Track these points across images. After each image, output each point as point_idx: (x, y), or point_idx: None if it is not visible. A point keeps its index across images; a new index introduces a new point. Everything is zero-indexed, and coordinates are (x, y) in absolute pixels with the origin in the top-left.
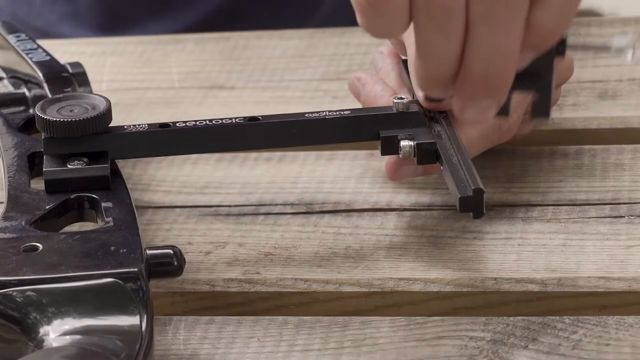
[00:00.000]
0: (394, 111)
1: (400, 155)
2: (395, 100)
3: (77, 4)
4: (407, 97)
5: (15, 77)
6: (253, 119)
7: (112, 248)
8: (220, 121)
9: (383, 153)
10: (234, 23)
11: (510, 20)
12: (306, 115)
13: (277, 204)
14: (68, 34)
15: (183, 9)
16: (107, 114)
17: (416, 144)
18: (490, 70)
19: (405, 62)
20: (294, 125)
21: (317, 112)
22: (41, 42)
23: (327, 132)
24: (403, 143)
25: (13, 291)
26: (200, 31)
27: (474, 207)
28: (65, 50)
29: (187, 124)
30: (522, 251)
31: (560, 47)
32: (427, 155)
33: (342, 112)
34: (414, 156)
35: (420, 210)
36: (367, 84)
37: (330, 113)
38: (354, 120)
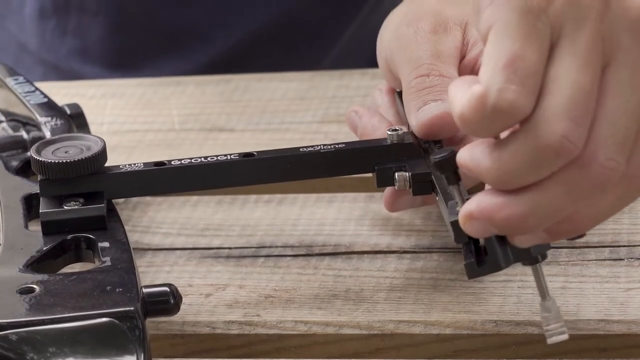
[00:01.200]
0: (389, 143)
1: (396, 187)
2: (390, 132)
3: (87, 38)
4: (401, 129)
5: (14, 120)
6: (248, 154)
7: (108, 288)
8: (216, 158)
9: (379, 185)
10: (244, 65)
11: (585, 197)
12: (301, 149)
13: (277, 246)
14: (78, 68)
15: (195, 49)
16: (101, 154)
17: (411, 175)
18: (534, 219)
19: (399, 93)
20: (289, 159)
21: (312, 146)
22: (41, 84)
23: (322, 166)
24: (398, 174)
25: (9, 333)
26: (211, 72)
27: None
28: (66, 93)
29: (182, 162)
30: (522, 294)
31: (533, 257)
32: (423, 186)
33: (336, 146)
34: (410, 187)
35: (420, 252)
36: (364, 116)
37: (325, 147)
38: (348, 153)
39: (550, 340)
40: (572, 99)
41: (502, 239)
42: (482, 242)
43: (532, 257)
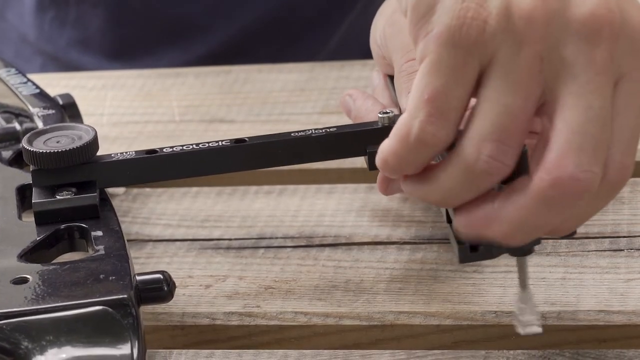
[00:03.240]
0: (380, 125)
1: None
2: (381, 115)
3: (87, 29)
4: (393, 112)
5: (7, 112)
6: (240, 140)
7: (102, 276)
8: (207, 145)
9: (371, 168)
10: (242, 56)
11: (567, 209)
12: (292, 134)
13: (277, 237)
14: (77, 59)
15: (194, 40)
16: (93, 143)
17: None
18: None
19: (391, 77)
20: (281, 145)
21: (304, 131)
22: (41, 77)
23: (314, 150)
24: None
25: (3, 323)
26: (210, 63)
27: None
28: (65, 84)
29: (174, 149)
30: None
31: (525, 250)
32: None
33: (328, 129)
34: None
35: (420, 243)
36: (358, 99)
37: (316, 131)
38: (340, 137)
39: (524, 331)
40: (498, 122)
41: None
42: None
43: (524, 250)
